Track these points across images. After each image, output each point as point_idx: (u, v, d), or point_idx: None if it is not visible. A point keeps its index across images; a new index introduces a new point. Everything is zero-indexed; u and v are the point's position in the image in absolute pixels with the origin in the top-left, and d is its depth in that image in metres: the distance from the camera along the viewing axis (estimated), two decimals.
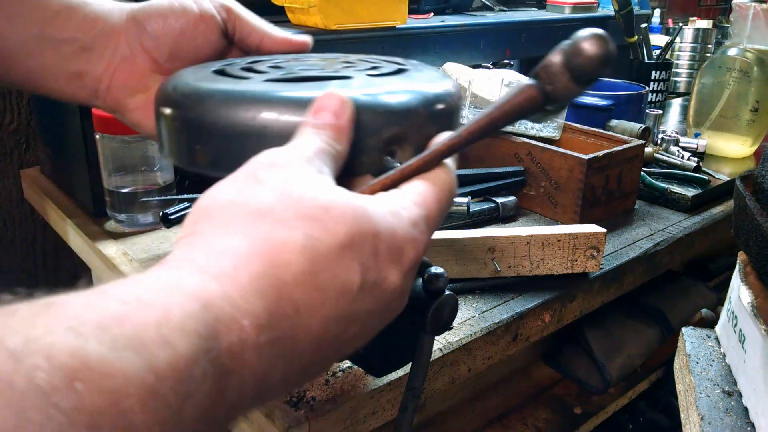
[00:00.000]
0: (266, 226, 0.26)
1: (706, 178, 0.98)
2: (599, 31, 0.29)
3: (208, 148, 0.36)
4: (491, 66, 1.31)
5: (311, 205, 0.27)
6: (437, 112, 0.37)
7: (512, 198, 0.85)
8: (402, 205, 0.31)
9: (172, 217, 0.70)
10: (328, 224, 0.27)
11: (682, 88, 1.66)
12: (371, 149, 0.35)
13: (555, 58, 0.30)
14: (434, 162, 0.34)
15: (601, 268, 0.71)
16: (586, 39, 0.29)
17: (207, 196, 0.28)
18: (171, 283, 0.24)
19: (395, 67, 0.42)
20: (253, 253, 0.25)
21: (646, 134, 1.04)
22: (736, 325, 0.55)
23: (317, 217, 0.27)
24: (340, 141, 0.32)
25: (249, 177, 0.29)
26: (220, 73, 0.40)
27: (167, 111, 0.38)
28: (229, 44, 0.48)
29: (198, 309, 0.23)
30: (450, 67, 1.01)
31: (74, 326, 0.20)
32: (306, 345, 0.26)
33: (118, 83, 0.45)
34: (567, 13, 1.44)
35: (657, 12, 1.94)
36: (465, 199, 0.80)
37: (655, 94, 1.38)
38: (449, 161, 0.35)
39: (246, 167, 0.29)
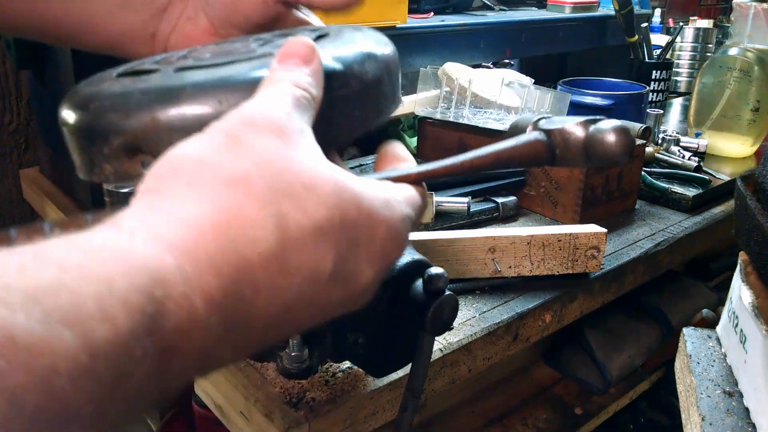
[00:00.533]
0: (238, 197, 0.24)
1: (707, 178, 0.98)
2: (624, 126, 0.29)
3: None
4: (491, 66, 1.31)
5: (292, 180, 0.25)
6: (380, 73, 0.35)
7: (512, 198, 0.85)
8: (396, 197, 0.29)
9: None
10: (307, 204, 0.25)
11: (682, 88, 1.66)
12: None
13: (578, 131, 0.30)
14: (422, 179, 0.33)
15: (601, 268, 0.71)
16: (612, 133, 0.29)
17: (177, 149, 0.26)
18: (120, 250, 0.21)
19: (315, 34, 0.38)
20: (218, 226, 0.23)
21: (647, 134, 1.04)
22: (737, 325, 0.55)
23: (297, 195, 0.25)
24: (315, 87, 0.30)
25: (226, 136, 0.26)
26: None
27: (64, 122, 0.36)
28: (284, 7, 0.47)
29: (147, 283, 0.21)
30: (450, 66, 1.01)
31: (1, 296, 0.18)
32: (261, 327, 0.25)
33: (180, 43, 0.47)
34: (567, 13, 1.44)
35: (657, 11, 1.94)
36: (465, 199, 0.80)
37: (655, 94, 1.38)
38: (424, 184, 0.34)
39: (222, 124, 0.27)
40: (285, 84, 0.29)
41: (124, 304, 0.20)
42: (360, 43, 0.35)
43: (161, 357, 0.21)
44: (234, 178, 0.24)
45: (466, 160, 0.33)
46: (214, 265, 0.23)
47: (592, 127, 0.30)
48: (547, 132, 0.31)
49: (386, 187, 0.30)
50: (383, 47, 0.36)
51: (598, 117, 0.31)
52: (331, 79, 0.32)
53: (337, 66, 0.32)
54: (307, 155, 0.27)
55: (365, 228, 0.27)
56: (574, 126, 0.30)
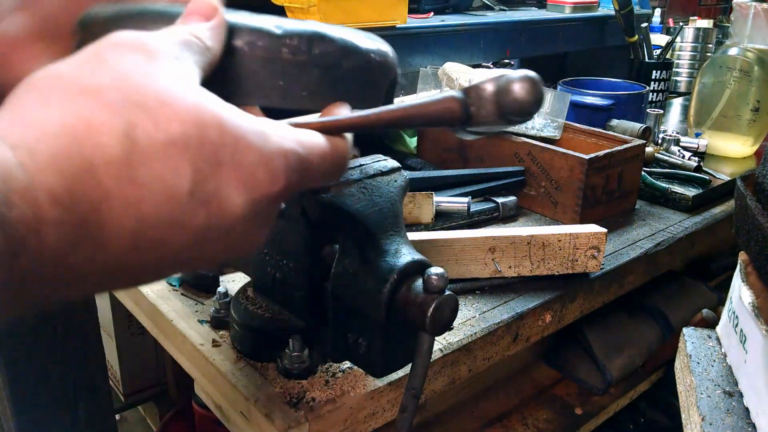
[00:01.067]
0: (88, 105, 0.24)
1: (707, 177, 0.98)
2: (532, 75, 0.29)
3: None
4: (491, 66, 1.31)
5: (147, 93, 0.25)
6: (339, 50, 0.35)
7: (512, 198, 0.85)
8: (278, 132, 0.29)
9: None
10: (160, 117, 0.25)
11: (682, 88, 1.66)
12: (261, 75, 0.33)
13: (489, 85, 0.30)
14: (335, 130, 0.32)
15: (601, 268, 0.71)
16: (518, 81, 0.29)
17: (41, 69, 0.26)
18: None
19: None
20: (63, 129, 0.24)
21: (647, 134, 1.04)
22: (737, 325, 0.55)
23: (149, 107, 0.25)
24: (212, 39, 0.31)
25: (91, 54, 0.26)
26: None
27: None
28: None
29: None
30: (450, 66, 1.01)
31: None
32: (120, 239, 0.25)
33: None
34: (567, 13, 1.44)
35: (657, 11, 1.94)
36: (465, 199, 0.80)
37: (655, 94, 1.38)
38: (349, 137, 0.33)
39: (93, 45, 0.27)
40: (177, 28, 0.30)
41: None
42: (329, 29, 0.36)
43: (12, 250, 0.22)
44: (87, 89, 0.25)
45: (374, 114, 0.33)
46: (56, 164, 0.23)
47: (501, 81, 0.30)
48: (464, 90, 0.31)
49: (268, 122, 0.29)
50: (368, 42, 0.36)
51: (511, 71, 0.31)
52: (258, 38, 0.33)
53: (273, 30, 0.33)
54: (172, 76, 0.27)
55: (230, 150, 0.26)
56: (487, 82, 0.30)
